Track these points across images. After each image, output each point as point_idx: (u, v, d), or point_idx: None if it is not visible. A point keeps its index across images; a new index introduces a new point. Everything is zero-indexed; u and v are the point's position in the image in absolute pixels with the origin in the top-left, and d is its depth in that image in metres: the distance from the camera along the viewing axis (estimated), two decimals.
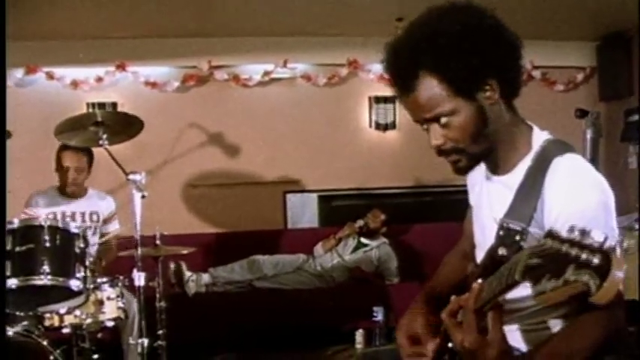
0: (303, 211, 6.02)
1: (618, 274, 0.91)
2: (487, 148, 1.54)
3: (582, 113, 4.32)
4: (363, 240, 5.31)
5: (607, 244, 0.93)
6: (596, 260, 0.92)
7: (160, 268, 3.67)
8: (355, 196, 6.08)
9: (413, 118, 1.55)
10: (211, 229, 5.74)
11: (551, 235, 0.99)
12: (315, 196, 6.03)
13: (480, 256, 1.62)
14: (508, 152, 1.56)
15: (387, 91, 5.40)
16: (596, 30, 5.79)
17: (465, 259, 1.82)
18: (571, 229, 0.97)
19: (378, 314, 4.69)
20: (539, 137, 1.55)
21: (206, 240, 5.34)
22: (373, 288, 5.11)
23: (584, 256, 0.93)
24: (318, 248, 5.36)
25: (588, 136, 4.31)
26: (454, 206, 1.85)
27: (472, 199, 1.78)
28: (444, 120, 1.48)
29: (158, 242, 3.73)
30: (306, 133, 5.93)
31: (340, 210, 6.00)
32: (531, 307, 1.51)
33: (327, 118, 5.95)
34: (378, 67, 5.70)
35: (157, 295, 3.56)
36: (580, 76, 6.23)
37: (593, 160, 4.29)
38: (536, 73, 6.03)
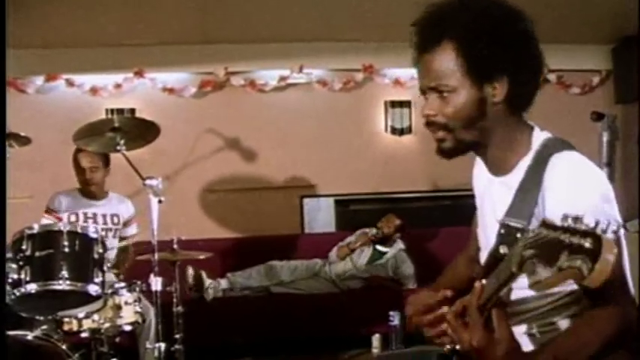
0: (320, 216, 6.00)
1: (609, 256, 0.92)
2: (477, 140, 1.55)
3: (598, 116, 4.27)
4: (379, 248, 5.28)
5: (598, 228, 0.94)
6: (587, 244, 0.92)
7: (177, 272, 3.69)
8: (372, 201, 6.05)
9: (419, 84, 1.56)
10: (228, 233, 5.74)
11: (545, 224, 1.00)
12: (331, 200, 6.01)
13: (484, 257, 1.61)
14: (507, 153, 1.56)
15: (403, 96, 5.44)
16: (612, 33, 5.73)
17: (471, 264, 1.82)
18: (564, 217, 0.97)
19: (395, 319, 4.66)
20: (539, 137, 1.55)
21: (223, 245, 5.34)
22: (389, 292, 5.07)
23: (575, 241, 0.93)
24: (333, 255, 5.34)
25: (604, 139, 4.25)
26: (471, 210, 1.84)
27: (478, 201, 1.77)
28: (444, 94, 1.49)
29: (175, 247, 3.75)
30: (322, 137, 5.91)
31: (357, 214, 5.97)
32: (539, 307, 1.51)
33: (343, 123, 5.93)
34: (393, 72, 5.78)
35: (174, 300, 3.58)
36: (596, 79, 6.17)
37: (610, 164, 4.23)
38: (552, 77, 5.97)
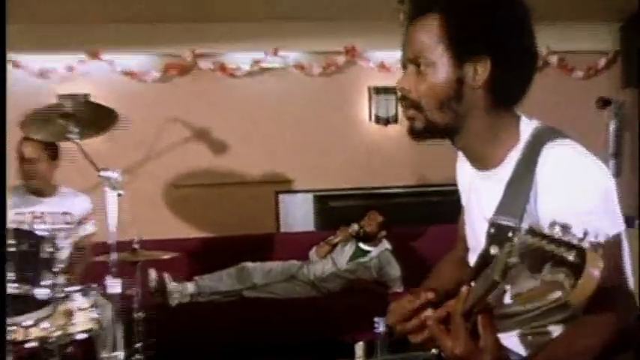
0: (298, 213, 6.02)
1: (593, 271, 0.94)
2: (450, 125, 1.56)
3: (604, 102, 4.29)
4: (362, 246, 5.31)
5: (586, 240, 0.96)
6: (570, 257, 0.95)
7: (138, 275, 3.71)
8: (354, 197, 6.07)
9: (402, 57, 1.61)
10: (196, 233, 5.73)
11: (531, 231, 1.02)
12: (310, 196, 6.04)
13: (473, 260, 1.63)
14: (491, 145, 1.58)
15: (389, 81, 5.40)
16: (620, 9, 5.74)
17: (459, 266, 1.85)
18: (552, 225, 1.00)
19: (380, 325, 4.62)
20: (528, 126, 1.57)
21: (190, 245, 5.33)
22: (374, 296, 5.06)
23: (560, 253, 0.96)
24: (313, 254, 5.38)
25: (611, 127, 4.28)
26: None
27: (463, 199, 1.82)
28: (422, 67, 1.53)
29: (136, 247, 3.76)
30: (300, 127, 5.92)
31: (338, 211, 5.99)
32: (530, 311, 1.55)
33: (323, 111, 5.94)
34: (378, 55, 5.77)
35: (135, 305, 3.59)
36: (602, 62, 6.18)
37: (617, 155, 4.25)
38: (553, 59, 6.01)
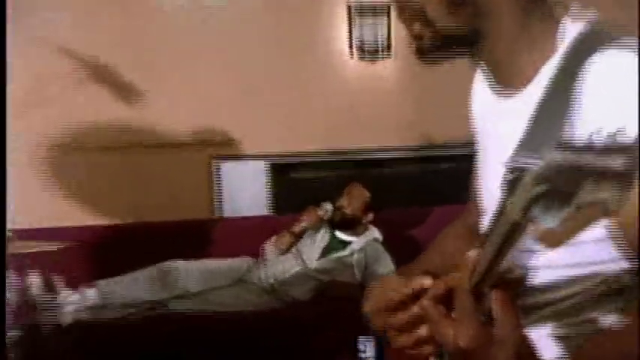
0: (246, 189, 6.09)
1: None
2: (469, 31, 1.58)
3: None
4: (340, 235, 5.37)
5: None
6: (616, 165, 0.88)
7: (10, 276, 3.77)
8: (328, 165, 6.16)
9: None
10: (98, 218, 5.73)
11: (562, 145, 0.96)
12: (264, 164, 6.07)
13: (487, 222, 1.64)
14: (525, 54, 1.57)
15: None
16: None
17: (469, 237, 1.89)
18: (592, 134, 0.93)
19: (366, 347, 4.60)
20: (571, 30, 1.53)
21: (89, 235, 5.36)
22: (357, 306, 4.96)
23: (603, 163, 0.90)
24: (270, 248, 5.43)
25: None
26: None
27: (478, 139, 1.84)
28: None
29: (8, 235, 3.64)
30: (248, 64, 5.94)
31: (304, 186, 6.10)
32: (573, 296, 1.54)
33: (283, 41, 5.99)
34: None
35: (6, 322, 3.50)
36: None
37: None
38: None
